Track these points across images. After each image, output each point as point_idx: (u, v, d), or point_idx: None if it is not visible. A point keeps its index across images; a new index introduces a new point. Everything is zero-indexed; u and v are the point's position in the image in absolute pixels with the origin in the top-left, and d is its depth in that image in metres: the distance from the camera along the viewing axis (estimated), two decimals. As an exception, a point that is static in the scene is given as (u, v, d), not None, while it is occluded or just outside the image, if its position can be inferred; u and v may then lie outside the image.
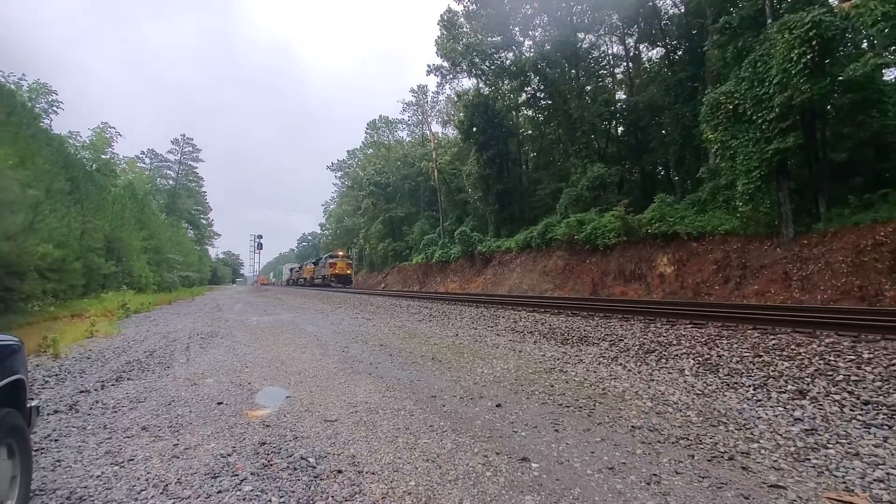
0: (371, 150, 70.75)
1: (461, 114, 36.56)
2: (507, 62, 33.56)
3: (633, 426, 3.87)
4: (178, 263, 38.77)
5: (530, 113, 37.27)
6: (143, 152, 67.00)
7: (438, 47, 35.85)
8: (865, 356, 4.43)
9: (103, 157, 32.73)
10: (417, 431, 3.80)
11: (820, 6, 14.56)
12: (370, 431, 3.81)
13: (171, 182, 70.94)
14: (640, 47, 32.90)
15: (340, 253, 48.58)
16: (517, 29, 33.14)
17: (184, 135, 74.07)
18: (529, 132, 40.01)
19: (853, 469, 2.91)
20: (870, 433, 3.32)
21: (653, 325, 7.16)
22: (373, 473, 3.03)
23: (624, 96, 32.72)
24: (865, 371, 4.14)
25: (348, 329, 10.98)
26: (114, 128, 35.09)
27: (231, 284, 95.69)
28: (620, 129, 32.21)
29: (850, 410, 3.69)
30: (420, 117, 58.77)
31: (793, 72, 13.89)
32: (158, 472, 3.13)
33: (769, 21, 16.38)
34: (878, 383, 3.91)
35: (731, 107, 16.09)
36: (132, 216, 27.05)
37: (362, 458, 3.26)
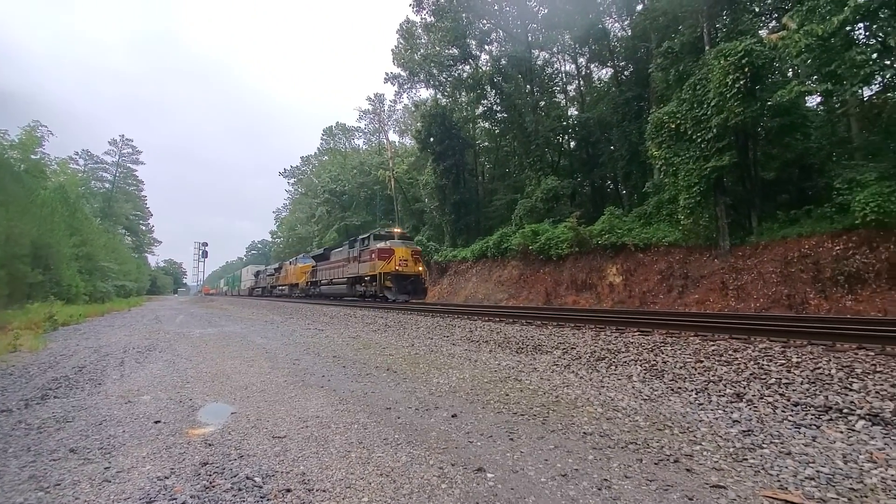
0: (327, 157, 69.56)
1: (419, 123, 36.74)
2: (465, 74, 34.12)
3: (585, 432, 3.94)
4: (114, 272, 36.32)
5: (487, 125, 38.00)
6: (76, 153, 62.67)
7: (395, 56, 35.96)
8: (794, 360, 4.76)
9: (33, 157, 30.29)
10: (371, 445, 3.69)
11: (751, 36, 15.82)
12: (321, 447, 3.66)
13: (107, 185, 66.43)
14: (591, 66, 34.45)
15: (397, 230, 22.90)
16: (474, 43, 33.82)
17: (122, 135, 69.82)
18: (486, 144, 40.75)
19: (786, 467, 3.09)
20: (800, 433, 3.55)
21: (603, 334, 7.38)
22: (323, 491, 2.90)
23: (576, 112, 34.04)
24: (795, 374, 4.44)
25: (300, 340, 10.61)
26: (45, 126, 32.62)
27: (172, 295, 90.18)
28: (573, 143, 33.44)
29: (782, 411, 3.93)
30: (377, 125, 58.46)
31: (728, 95, 14.95)
32: (88, 498, 2.85)
33: (707, 48, 17.61)
34: (806, 385, 4.20)
35: (673, 126, 17.07)
36: (63, 221, 25.11)
37: (313, 475, 3.12)
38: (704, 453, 3.42)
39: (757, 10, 20.32)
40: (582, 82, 35.42)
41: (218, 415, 4.64)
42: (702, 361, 5.23)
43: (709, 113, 15.85)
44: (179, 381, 6.28)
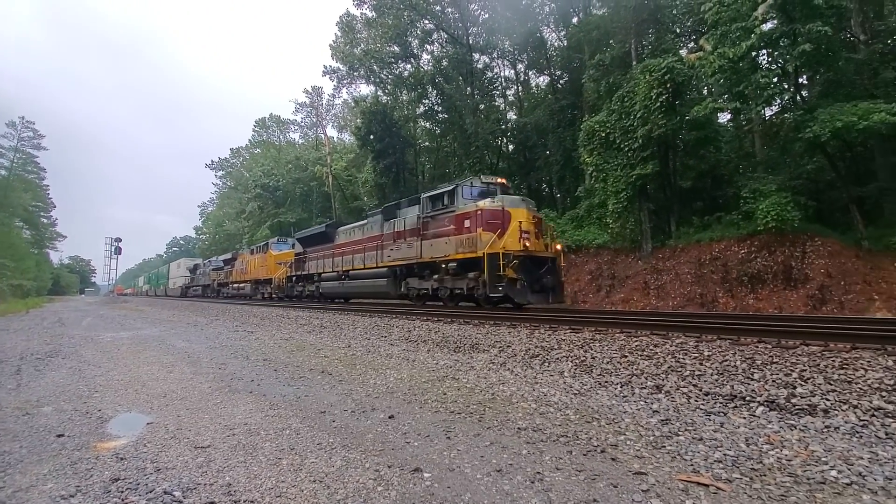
0: (259, 150, 66.30)
1: (358, 120, 36.08)
2: (406, 73, 33.96)
3: (519, 428, 4.05)
4: (9, 269, 32.21)
5: (428, 125, 38.08)
6: (-38, 134, 54.86)
7: (334, 50, 35.07)
8: (706, 353, 5.20)
9: None
10: (304, 451, 3.55)
11: (673, 55, 17.11)
12: (250, 455, 3.46)
13: (2, 172, 58.92)
14: (529, 73, 35.64)
15: (500, 180, 13.25)
16: (415, 42, 33.76)
17: (23, 117, 61.86)
18: (427, 144, 40.83)
19: (699, 452, 3.36)
20: (710, 420, 3.88)
21: (537, 332, 7.65)
22: (251, 501, 2.75)
23: (514, 117, 35.03)
24: (706, 366, 4.86)
25: (227, 343, 10.01)
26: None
27: (79, 295, 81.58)
28: (511, 146, 34.38)
29: (695, 401, 4.28)
30: (314, 119, 56.62)
31: (652, 108, 16.07)
32: (-37, 530, 2.49)
33: (634, 63, 18.79)
34: (716, 377, 4.61)
35: (603, 135, 18.07)
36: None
37: (240, 486, 2.94)
38: (628, 443, 3.63)
39: (678, 31, 22.04)
40: (520, 88, 36.53)
41: (131, 426, 4.26)
42: (626, 356, 5.57)
43: (635, 124, 16.95)
44: (86, 391, 5.69)
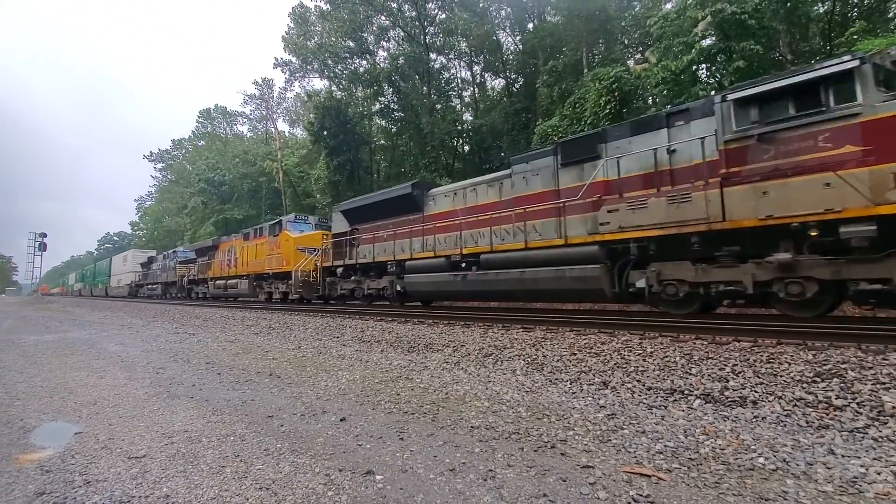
0: (203, 143, 63.07)
1: (311, 114, 35.12)
2: (362, 69, 33.47)
3: (472, 426, 4.07)
4: None
5: (383, 123, 37.70)
6: None
7: (286, 42, 33.99)
8: (649, 350, 5.47)
9: None
10: (249, 458, 3.40)
11: (621, 65, 17.89)
12: (190, 464, 3.27)
13: None
14: (486, 75, 36.09)
15: None
16: (371, 38, 33.34)
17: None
18: (382, 142, 40.42)
19: (642, 445, 3.52)
20: (652, 413, 4.07)
21: (490, 331, 7.75)
22: (190, 514, 2.59)
23: (470, 118, 35.38)
24: (649, 362, 5.10)
25: (165, 347, 9.45)
26: None
27: None
28: (467, 147, 34.70)
29: (639, 395, 4.48)
30: (265, 112, 54.61)
31: (601, 115, 16.71)
32: None
33: (585, 70, 19.48)
34: (657, 372, 4.85)
35: (556, 139, 18.59)
36: None
37: (179, 497, 2.77)
38: (576, 437, 3.75)
39: (626, 42, 23.07)
40: (476, 89, 36.96)
41: (58, 436, 3.92)
42: (576, 354, 5.75)
43: (586, 129, 17.57)
44: (6, 399, 5.19)
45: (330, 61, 33.00)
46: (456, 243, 11.30)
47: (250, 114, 57.82)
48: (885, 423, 3.28)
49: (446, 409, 4.57)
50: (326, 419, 4.32)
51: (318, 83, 39.72)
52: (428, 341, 7.71)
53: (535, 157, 10.09)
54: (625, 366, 5.13)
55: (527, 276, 9.33)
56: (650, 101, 20.04)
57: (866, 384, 3.75)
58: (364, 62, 33.81)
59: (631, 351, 5.52)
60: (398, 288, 12.92)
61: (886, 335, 4.91)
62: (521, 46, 29.62)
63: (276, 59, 37.70)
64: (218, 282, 24.02)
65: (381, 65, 32.82)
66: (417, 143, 30.00)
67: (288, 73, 36.78)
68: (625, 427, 3.86)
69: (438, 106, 32.65)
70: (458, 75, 37.34)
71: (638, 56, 22.35)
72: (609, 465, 3.24)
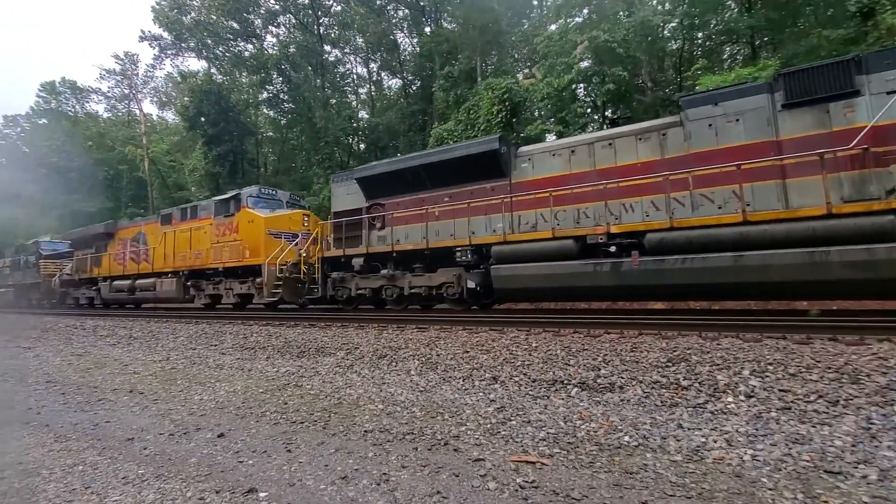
0: (46, 121, 53.21)
1: (186, 98, 31.60)
2: (247, 53, 31.06)
3: (366, 430, 3.98)
4: None
5: (272, 113, 35.38)
6: None
7: (157, 14, 30.22)
8: (534, 345, 5.85)
9: None
10: (103, 489, 2.92)
11: (512, 77, 18.99)
12: (25, 503, 2.71)
13: None
14: (382, 74, 35.79)
15: None
16: (259, 21, 31.10)
17: None
18: (270, 134, 37.89)
19: (527, 434, 3.74)
20: (536, 404, 4.36)
21: (385, 332, 7.67)
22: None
23: (367, 116, 34.81)
24: (534, 356, 5.46)
25: (-11, 362, 7.79)
26: None
27: None
28: (362, 145, 34.06)
29: (525, 388, 4.76)
30: (127, 91, 47.78)
31: (493, 123, 17.55)
32: None
33: (479, 79, 20.32)
34: (541, 365, 5.21)
35: (451, 143, 19.09)
36: None
37: (-1, 549, 2.27)
38: (468, 432, 3.86)
39: (517, 56, 24.57)
40: (373, 87, 36.48)
41: None
42: (468, 352, 5.94)
43: (479, 136, 18.34)
44: None
45: (209, 41, 30.03)
46: (577, 220, 8.22)
47: (108, 91, 50.05)
48: (719, 399, 3.90)
49: (339, 416, 4.41)
50: (201, 437, 3.89)
51: (196, 63, 35.98)
52: (320, 345, 7.38)
53: (731, 97, 7.23)
54: (513, 360, 5.42)
55: (749, 263, 6.34)
56: (537, 114, 21.62)
57: (705, 366, 4.42)
58: (250, 46, 31.39)
59: (518, 346, 5.85)
60: (471, 285, 9.09)
61: (720, 324, 5.87)
62: (418, 49, 29.94)
63: (142, 31, 33.27)
64: (118, 282, 17.09)
65: (270, 51, 30.75)
66: (310, 137, 28.66)
67: (158, 48, 32.69)
68: (512, 419, 4.08)
69: (333, 101, 31.57)
70: (355, 71, 36.57)
71: (526, 70, 23.99)
72: (498, 456, 3.39)
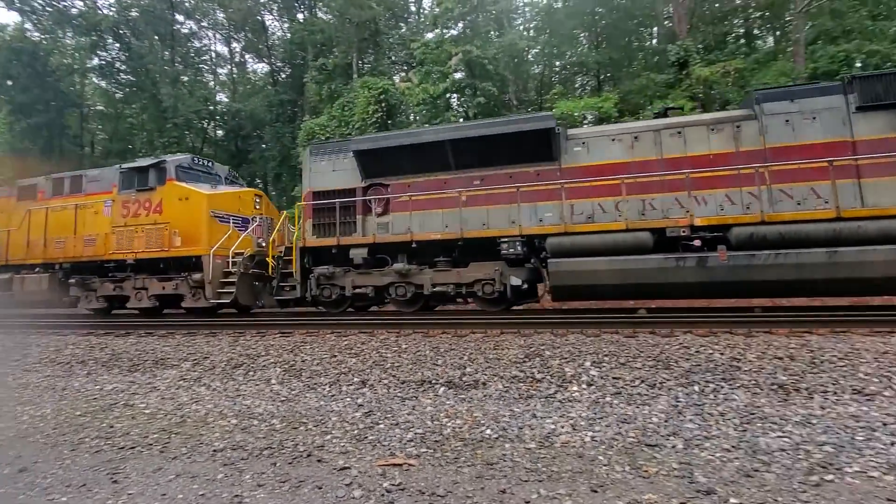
0: None
1: (-17, 53, 25.08)
2: (75, 10, 25.90)
3: (215, 450, 3.57)
4: None
5: (104, 84, 29.96)
6: None
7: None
8: (404, 347, 5.87)
9: None
10: None
11: (389, 78, 18.97)
12: None
13: None
14: (247, 56, 32.86)
15: None
16: (92, -26, 26.17)
17: None
18: (101, 108, 32.05)
19: (395, 436, 3.71)
20: (405, 405, 4.36)
21: (242, 339, 7.00)
22: None
23: (226, 99, 31.55)
24: (403, 358, 5.48)
25: None
26: None
27: None
28: (220, 132, 30.79)
29: (394, 390, 4.74)
30: None
31: (368, 122, 17.31)
32: None
33: (355, 76, 19.89)
34: (411, 366, 5.24)
35: (323, 138, 18.33)
36: None
37: None
38: (334, 441, 3.70)
39: (394, 58, 24.62)
40: (235, 69, 33.24)
41: None
42: (336, 356, 5.71)
43: (353, 134, 17.93)
44: None
45: (21, -14, 24.32)
46: (642, 211, 7.58)
47: None
48: (567, 388, 4.35)
49: (182, 436, 3.88)
50: (-14, 477, 3.08)
51: (3, 14, 28.75)
52: (159, 356, 6.42)
53: (807, 94, 7.26)
54: (382, 363, 5.36)
55: (844, 260, 6.30)
56: (412, 118, 21.94)
57: (556, 360, 4.90)
58: (79, 2, 26.21)
59: (388, 348, 5.82)
60: (515, 282, 7.89)
61: (568, 322, 6.59)
62: (289, 35, 28.13)
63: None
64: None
65: (106, 11, 26.05)
66: (154, 116, 24.96)
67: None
68: (381, 422, 4.02)
69: (185, 78, 27.95)
70: (214, 48, 32.90)
71: (403, 74, 24.19)
72: (365, 462, 3.30)
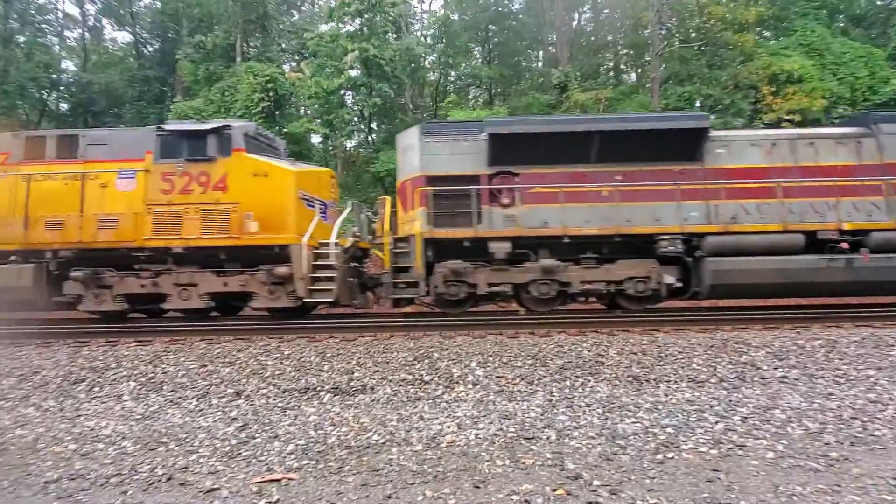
0: None
1: None
2: None
3: (46, 482, 3.00)
4: None
5: None
6: None
7: None
8: (286, 353, 5.51)
9: None
10: None
11: (277, 66, 17.82)
12: None
13: None
14: (105, 22, 28.43)
15: None
16: None
17: None
18: None
19: (274, 450, 3.45)
20: (286, 415, 4.09)
21: (85, 349, 5.95)
22: None
23: (75, 68, 26.91)
24: (286, 365, 5.13)
25: None
26: None
27: None
28: (65, 105, 26.15)
29: (274, 400, 4.42)
30: None
31: (253, 111, 16.06)
32: None
33: (239, 59, 18.34)
34: (294, 373, 4.93)
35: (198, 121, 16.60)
36: None
37: None
38: (201, 460, 3.32)
39: (284, 46, 23.20)
40: (88, 34, 28.52)
41: None
42: (206, 366, 5.16)
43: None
44: None
45: None
46: (780, 215, 7.78)
47: None
48: (453, 389, 4.46)
49: (2, 467, 3.18)
50: None
51: None
52: (-31, 371, 5.20)
53: None
54: (261, 371, 4.97)
55: None
56: (303, 111, 20.90)
57: (444, 361, 5.00)
58: None
59: (269, 355, 5.42)
60: (669, 280, 7.82)
61: (457, 324, 6.79)
62: (159, 3, 24.97)
63: None
64: None
65: None
66: (-25, 79, 20.39)
67: None
68: (257, 436, 3.71)
69: (22, 38, 23.27)
70: (62, 8, 27.90)
71: (294, 64, 22.92)
72: (238, 481, 3.02)
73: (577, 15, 25.32)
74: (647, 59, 21.15)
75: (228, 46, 19.03)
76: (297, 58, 23.15)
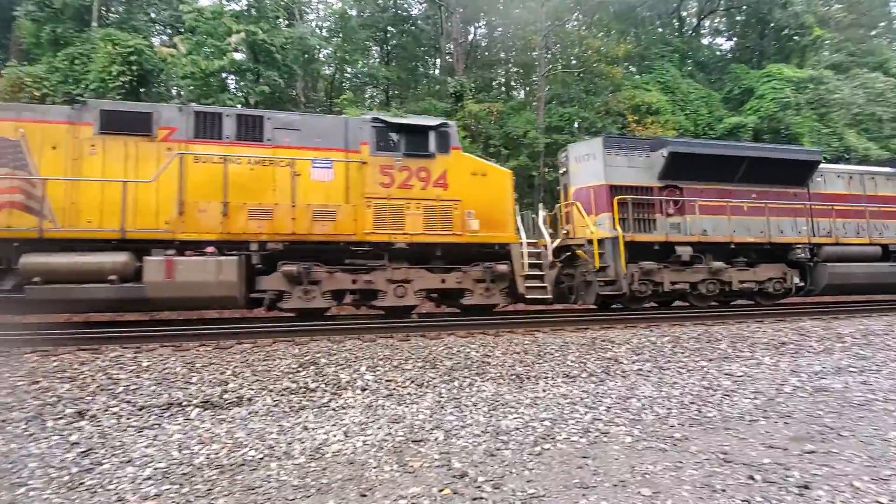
0: None
1: None
2: None
3: None
4: None
5: None
6: None
7: None
8: (145, 364, 4.85)
9: None
10: None
11: (145, 38, 15.69)
12: None
13: None
14: None
15: None
16: None
17: None
18: None
19: (126, 477, 3.00)
20: (143, 436, 3.59)
21: None
22: None
23: None
24: (143, 378, 4.51)
25: None
26: None
27: None
28: None
29: (127, 419, 3.85)
30: None
31: (111, 85, 13.93)
32: None
33: (95, 25, 15.83)
34: (154, 387, 4.36)
35: (37, 94, 13.93)
36: None
37: None
38: (31, 494, 2.78)
39: (153, 16, 20.55)
40: None
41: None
42: (39, 382, 4.33)
43: (86, 94, 14.14)
44: None
45: None
46: (858, 231, 10.45)
47: None
48: (341, 395, 4.32)
49: None
50: None
51: None
52: None
53: None
54: (112, 387, 4.31)
55: None
56: (175, 92, 18.67)
57: (332, 367, 4.83)
58: None
59: (122, 368, 4.73)
60: (797, 280, 10.03)
61: (346, 328, 6.59)
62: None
63: None
64: None
65: None
66: None
67: None
68: (104, 461, 3.20)
69: None
70: None
71: (166, 38, 20.40)
72: (75, 517, 2.57)
73: (472, 29, 26.44)
74: (535, 78, 22.84)
75: (83, 8, 16.25)
76: (169, 31, 20.68)
